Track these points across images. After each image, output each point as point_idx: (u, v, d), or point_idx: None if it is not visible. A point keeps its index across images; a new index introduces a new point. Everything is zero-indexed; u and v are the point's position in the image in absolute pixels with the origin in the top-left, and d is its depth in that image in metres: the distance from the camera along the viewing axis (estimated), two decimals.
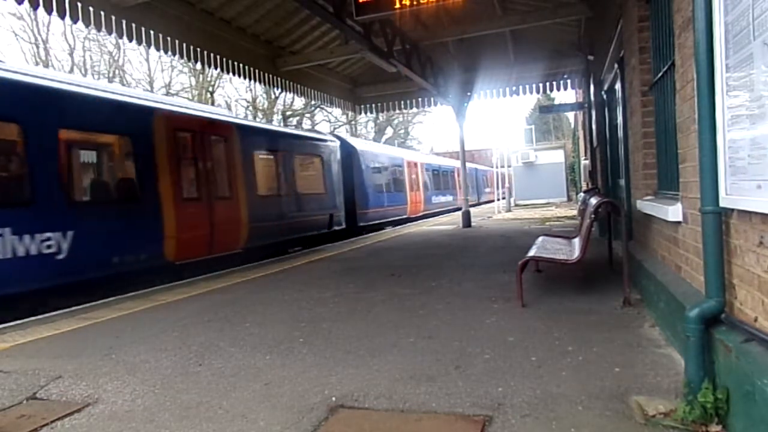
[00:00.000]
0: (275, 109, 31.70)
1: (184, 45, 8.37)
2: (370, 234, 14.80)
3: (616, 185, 8.19)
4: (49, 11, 6.30)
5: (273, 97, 31.10)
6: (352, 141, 17.83)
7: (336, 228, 14.22)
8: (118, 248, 7.42)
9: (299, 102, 31.48)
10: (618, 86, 7.02)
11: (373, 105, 15.73)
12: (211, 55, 9.00)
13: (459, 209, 25.03)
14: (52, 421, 2.75)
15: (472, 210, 16.42)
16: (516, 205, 25.61)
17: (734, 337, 2.23)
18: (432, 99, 14.98)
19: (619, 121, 7.26)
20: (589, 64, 10.71)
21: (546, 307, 4.60)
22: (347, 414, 2.65)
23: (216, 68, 9.42)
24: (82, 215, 7.05)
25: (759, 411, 1.88)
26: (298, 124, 30.71)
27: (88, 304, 6.00)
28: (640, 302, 4.50)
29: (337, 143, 15.14)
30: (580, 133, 20.82)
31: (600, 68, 8.91)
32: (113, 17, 7.05)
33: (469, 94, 14.33)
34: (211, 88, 28.89)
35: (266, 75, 10.71)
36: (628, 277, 4.60)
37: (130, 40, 7.47)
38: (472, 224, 14.60)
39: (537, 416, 2.47)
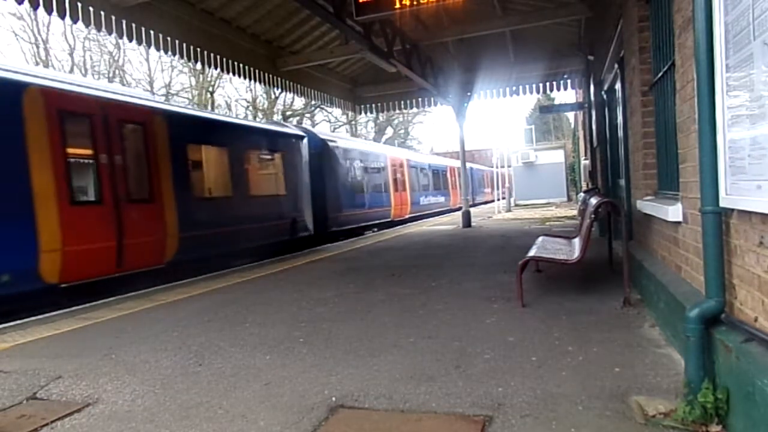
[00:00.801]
0: (275, 109, 31.72)
1: (184, 45, 8.36)
2: (346, 240, 13.17)
3: (616, 185, 8.19)
4: (49, 11, 6.30)
5: (273, 97, 31.13)
6: (324, 135, 15.85)
7: (301, 235, 12.58)
8: None
9: (299, 102, 31.56)
10: (618, 86, 7.02)
11: (373, 105, 15.72)
12: (211, 55, 8.99)
13: (451, 211, 25.07)
14: (52, 421, 2.75)
15: (472, 210, 16.29)
16: (516, 205, 25.61)
17: (734, 337, 2.23)
18: (432, 99, 14.98)
19: (619, 121, 7.26)
20: (589, 64, 10.71)
21: (546, 307, 4.60)
22: (347, 414, 2.65)
23: (216, 68, 9.40)
24: None
25: (759, 411, 1.88)
26: (299, 124, 30.73)
27: (88, 304, 6.00)
28: (640, 302, 4.50)
29: (304, 137, 13.57)
30: (580, 133, 20.82)
31: (600, 68, 8.91)
32: (113, 17, 7.04)
33: (469, 94, 14.33)
34: (211, 88, 28.93)
35: (266, 75, 10.70)
36: (628, 277, 4.60)
37: (130, 40, 7.46)
38: (472, 224, 14.61)
39: (537, 416, 2.47)
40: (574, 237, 6.35)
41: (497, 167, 25.43)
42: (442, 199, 26.62)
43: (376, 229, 17.05)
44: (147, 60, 28.55)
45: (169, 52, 8.22)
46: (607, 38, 7.26)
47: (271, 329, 4.42)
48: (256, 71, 10.33)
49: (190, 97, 28.87)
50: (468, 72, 13.67)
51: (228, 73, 9.68)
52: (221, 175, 10.19)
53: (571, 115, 31.52)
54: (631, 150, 5.75)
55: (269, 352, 3.77)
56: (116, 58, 27.41)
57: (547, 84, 13.80)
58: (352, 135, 34.27)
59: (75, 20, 6.61)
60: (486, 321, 4.26)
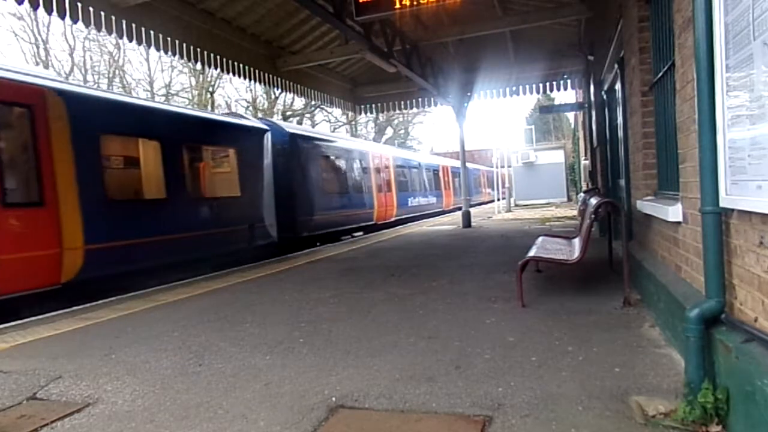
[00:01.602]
0: (275, 109, 31.74)
1: (184, 45, 8.37)
2: (322, 247, 11.95)
3: (616, 185, 8.20)
4: (49, 11, 6.31)
5: (273, 97, 31.15)
6: (292, 129, 13.81)
7: (260, 243, 10.85)
8: None
9: (299, 102, 31.57)
10: (618, 86, 7.02)
11: (373, 105, 15.72)
12: (211, 55, 9.00)
13: (443, 213, 24.74)
14: (52, 421, 2.75)
15: (472, 210, 16.23)
16: (516, 206, 25.60)
17: (734, 338, 2.23)
18: (432, 99, 14.98)
19: (619, 121, 7.26)
20: (589, 65, 10.71)
21: (546, 307, 4.60)
22: (347, 414, 2.65)
23: (216, 68, 9.40)
24: None
25: (759, 411, 1.88)
26: (299, 124, 30.73)
27: (88, 304, 6.00)
28: (640, 302, 4.50)
29: (267, 131, 11.67)
30: (580, 133, 20.81)
31: (600, 68, 8.92)
32: (113, 17, 7.05)
33: (469, 94, 14.33)
34: (211, 89, 28.95)
35: (266, 75, 10.71)
36: (628, 277, 4.60)
37: (130, 40, 7.47)
38: (473, 224, 14.62)
39: (537, 416, 2.47)
40: (574, 237, 6.36)
41: (497, 167, 25.39)
42: (433, 200, 24.64)
43: (360, 233, 15.60)
44: (147, 60, 28.60)
45: (169, 52, 8.22)
46: (607, 38, 7.26)
47: (271, 329, 4.42)
48: (256, 71, 10.33)
49: (190, 98, 28.89)
50: (468, 72, 13.68)
51: (228, 73, 9.69)
52: (151, 174, 8.37)
53: (571, 116, 31.51)
54: (631, 150, 5.75)
55: (269, 352, 3.77)
56: (116, 58, 27.43)
57: (547, 84, 13.81)
58: (352, 135, 34.27)
59: (75, 20, 6.62)
60: (486, 321, 4.26)
